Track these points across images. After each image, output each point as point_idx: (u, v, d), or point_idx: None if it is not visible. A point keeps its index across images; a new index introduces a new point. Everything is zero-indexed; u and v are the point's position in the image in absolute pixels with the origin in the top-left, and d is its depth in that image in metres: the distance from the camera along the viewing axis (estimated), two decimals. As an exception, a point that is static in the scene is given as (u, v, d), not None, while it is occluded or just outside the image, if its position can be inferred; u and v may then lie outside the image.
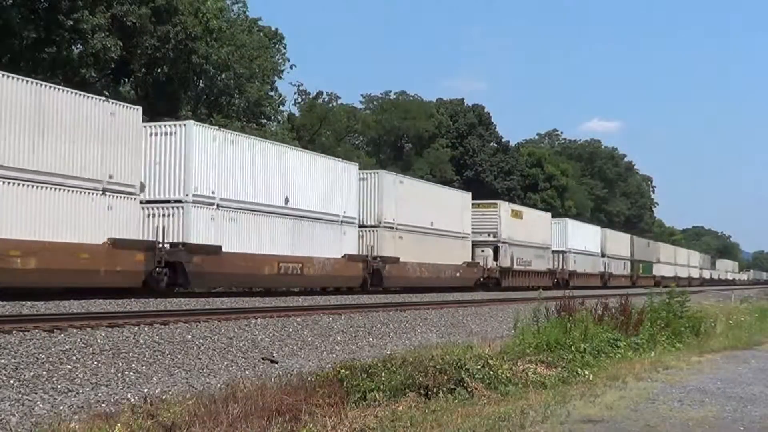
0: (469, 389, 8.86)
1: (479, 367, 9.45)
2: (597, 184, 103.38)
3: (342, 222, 29.89)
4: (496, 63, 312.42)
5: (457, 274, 38.24)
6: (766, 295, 45.77)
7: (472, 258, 41.23)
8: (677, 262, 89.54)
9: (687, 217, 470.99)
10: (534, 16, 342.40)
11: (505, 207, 46.07)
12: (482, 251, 42.87)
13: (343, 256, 29.48)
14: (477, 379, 9.14)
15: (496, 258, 43.46)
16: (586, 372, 10.63)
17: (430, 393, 8.55)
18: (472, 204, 42.49)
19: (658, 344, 14.05)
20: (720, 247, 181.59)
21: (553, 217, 58.35)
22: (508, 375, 9.66)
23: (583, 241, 58.21)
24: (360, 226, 31.41)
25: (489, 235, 43.66)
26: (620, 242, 69.49)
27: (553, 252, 52.58)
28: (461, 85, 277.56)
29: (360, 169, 32.71)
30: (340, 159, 33.29)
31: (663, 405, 8.57)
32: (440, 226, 36.98)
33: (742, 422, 7.85)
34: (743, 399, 9.20)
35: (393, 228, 33.18)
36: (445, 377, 8.89)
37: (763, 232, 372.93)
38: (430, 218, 35.92)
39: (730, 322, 19.36)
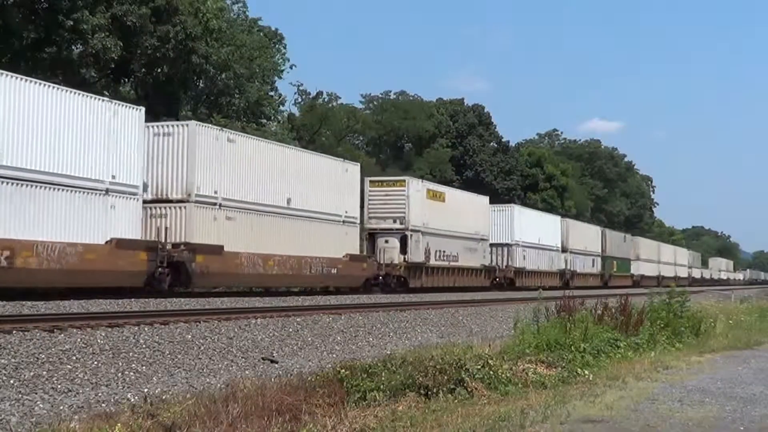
0: (469, 389, 8.86)
1: (479, 367, 9.45)
2: (597, 184, 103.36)
3: (108, 193, 21.12)
4: (496, 62, 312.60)
5: (333, 271, 29.44)
6: (766, 295, 45.73)
7: (366, 250, 33.78)
8: (661, 259, 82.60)
9: (687, 217, 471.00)
10: (534, 15, 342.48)
11: (416, 185, 36.50)
12: (385, 242, 34.48)
13: (108, 242, 20.80)
14: (477, 379, 9.15)
15: (404, 251, 34.58)
16: (586, 372, 10.63)
17: (430, 393, 8.55)
18: (371, 181, 35.79)
19: (658, 344, 14.05)
20: (720, 247, 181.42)
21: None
22: (508, 375, 9.66)
23: (536, 232, 49.37)
24: (153, 201, 23.44)
25: (395, 221, 34.86)
26: (587, 235, 60.80)
27: (495, 245, 44.18)
28: (461, 85, 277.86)
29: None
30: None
31: (663, 405, 8.57)
32: (304, 204, 28.23)
33: (742, 422, 7.84)
34: (743, 399, 9.19)
35: (214, 204, 24.37)
36: (445, 377, 8.89)
37: (763, 232, 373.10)
38: (286, 193, 27.41)
39: (730, 322, 19.37)
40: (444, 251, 37.72)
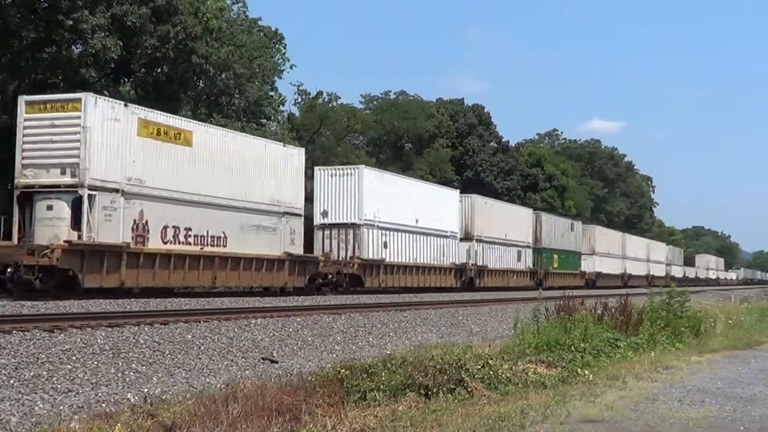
0: (469, 389, 8.86)
1: (479, 367, 9.46)
2: (597, 184, 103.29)
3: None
4: (496, 62, 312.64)
5: None
6: (766, 295, 45.70)
7: (19, 221, 21.25)
8: (628, 254, 70.18)
9: (687, 217, 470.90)
10: (534, 15, 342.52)
11: (107, 107, 21.79)
12: (48, 208, 20.94)
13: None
14: (477, 379, 9.15)
15: (77, 224, 20.76)
16: (586, 372, 10.63)
17: (430, 393, 8.55)
18: (29, 103, 21.95)
19: (658, 344, 14.05)
20: (720, 246, 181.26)
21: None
22: (508, 375, 9.66)
23: (409, 211, 35.45)
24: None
25: (63, 172, 21.20)
26: (508, 220, 45.99)
27: (324, 226, 32.27)
28: (461, 85, 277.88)
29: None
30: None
31: (663, 405, 8.57)
32: None
33: (742, 422, 7.84)
34: (743, 399, 9.19)
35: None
36: (445, 377, 8.89)
37: (763, 232, 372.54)
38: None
39: (730, 322, 19.36)
40: (182, 227, 23.68)
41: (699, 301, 25.57)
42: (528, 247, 49.05)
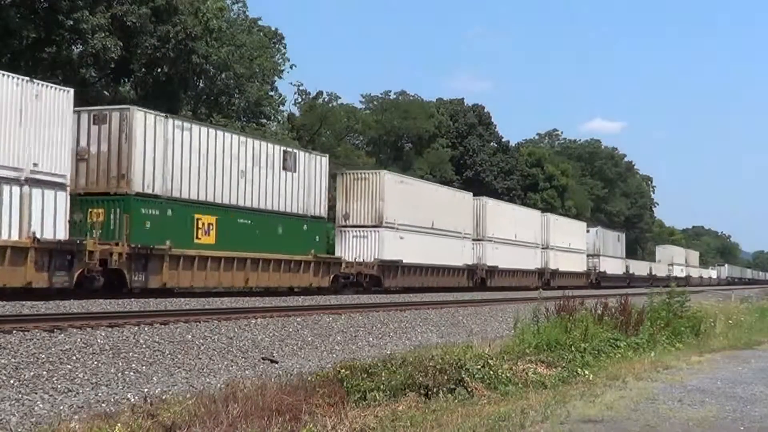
0: (469, 389, 8.86)
1: (479, 367, 9.45)
2: (597, 184, 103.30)
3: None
4: (496, 63, 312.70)
5: None
6: (766, 295, 45.68)
7: None
8: (510, 237, 46.15)
9: (687, 217, 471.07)
10: (534, 15, 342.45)
11: None
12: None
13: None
14: (477, 379, 9.14)
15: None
16: (586, 372, 10.62)
17: (430, 393, 8.55)
18: None
19: (658, 344, 14.05)
20: (720, 246, 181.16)
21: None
22: (508, 375, 9.66)
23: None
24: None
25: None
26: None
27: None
28: (461, 85, 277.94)
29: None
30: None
31: (663, 405, 8.57)
32: None
33: (742, 422, 7.84)
34: (743, 399, 9.19)
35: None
36: (445, 377, 8.88)
37: (763, 232, 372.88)
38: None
39: (730, 322, 19.35)
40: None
41: (699, 301, 25.56)
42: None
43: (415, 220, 35.50)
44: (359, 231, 33.08)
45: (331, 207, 33.01)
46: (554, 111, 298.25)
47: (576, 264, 56.90)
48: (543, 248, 51.16)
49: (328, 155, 31.81)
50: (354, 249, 32.74)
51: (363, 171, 36.07)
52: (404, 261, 34.19)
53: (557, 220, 56.37)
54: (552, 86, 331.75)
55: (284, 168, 27.54)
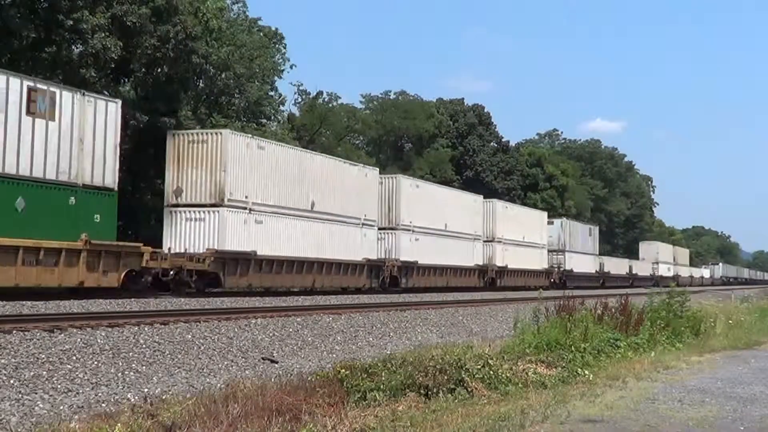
0: (469, 389, 8.86)
1: (479, 367, 9.45)
2: (597, 184, 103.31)
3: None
4: (496, 63, 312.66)
5: None
6: (766, 295, 45.68)
7: None
8: (450, 227, 39.33)
9: (687, 217, 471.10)
10: (534, 15, 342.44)
11: None
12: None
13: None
14: (477, 379, 9.14)
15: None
16: (586, 372, 10.62)
17: (430, 393, 8.55)
18: None
19: (658, 344, 14.05)
20: (720, 246, 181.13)
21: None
22: (508, 375, 9.65)
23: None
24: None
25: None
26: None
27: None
28: (461, 85, 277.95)
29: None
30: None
31: (663, 405, 8.57)
32: None
33: (742, 422, 7.84)
34: (743, 399, 9.19)
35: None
36: (445, 377, 8.88)
37: (763, 232, 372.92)
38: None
39: (730, 321, 19.36)
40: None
41: (699, 301, 25.56)
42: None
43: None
44: (194, 212, 25.38)
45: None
46: (554, 111, 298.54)
47: (533, 261, 50.03)
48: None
49: (120, 101, 23.60)
50: (186, 236, 25.13)
51: (201, 131, 28.10)
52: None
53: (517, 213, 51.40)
54: (552, 86, 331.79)
55: (29, 112, 19.59)
